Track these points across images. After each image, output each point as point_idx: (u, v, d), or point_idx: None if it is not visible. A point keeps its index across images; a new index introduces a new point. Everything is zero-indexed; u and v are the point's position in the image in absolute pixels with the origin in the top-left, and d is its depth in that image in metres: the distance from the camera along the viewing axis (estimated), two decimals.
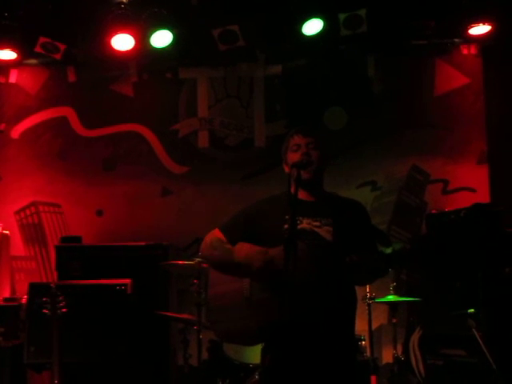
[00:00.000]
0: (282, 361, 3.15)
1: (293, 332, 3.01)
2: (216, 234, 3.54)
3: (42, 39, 6.34)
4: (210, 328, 3.70)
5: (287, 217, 3.03)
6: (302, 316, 3.09)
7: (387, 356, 6.19)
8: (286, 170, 3.46)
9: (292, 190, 3.18)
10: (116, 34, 6.16)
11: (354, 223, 3.38)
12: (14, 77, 7.09)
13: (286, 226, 3.03)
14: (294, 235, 2.94)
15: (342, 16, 6.14)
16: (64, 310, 4.77)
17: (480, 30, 6.26)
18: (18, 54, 6.56)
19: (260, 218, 3.44)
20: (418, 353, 5.50)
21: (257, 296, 3.28)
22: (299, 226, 3.23)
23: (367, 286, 5.45)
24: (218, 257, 3.51)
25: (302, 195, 3.34)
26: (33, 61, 6.96)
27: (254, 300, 3.28)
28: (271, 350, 3.28)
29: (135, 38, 6.23)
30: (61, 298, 4.80)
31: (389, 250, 3.21)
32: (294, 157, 3.38)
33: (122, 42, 6.25)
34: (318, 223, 3.31)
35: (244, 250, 3.37)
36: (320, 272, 3.15)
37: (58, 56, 6.54)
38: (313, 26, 6.18)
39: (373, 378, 5.21)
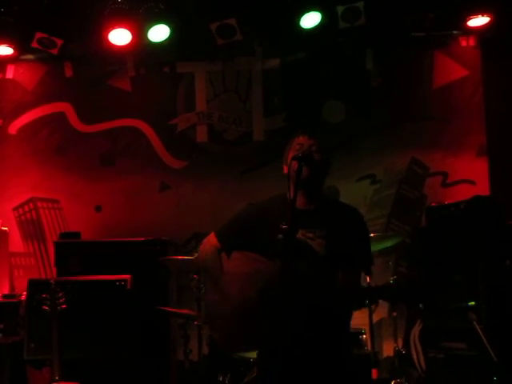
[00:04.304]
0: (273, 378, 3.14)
1: (282, 353, 3.03)
2: (212, 240, 3.48)
3: (38, 34, 6.31)
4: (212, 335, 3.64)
5: (283, 226, 2.99)
6: (291, 338, 3.03)
7: (388, 349, 6.19)
8: (285, 170, 3.35)
9: (291, 193, 3.08)
10: (113, 28, 6.14)
11: (349, 236, 3.26)
12: (10, 72, 7.05)
13: (280, 236, 3.00)
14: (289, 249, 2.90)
15: (340, 8, 6.12)
16: (63, 306, 4.77)
17: (479, 21, 6.26)
18: (15, 50, 6.56)
19: (255, 225, 3.36)
20: (418, 346, 5.49)
21: (247, 310, 3.18)
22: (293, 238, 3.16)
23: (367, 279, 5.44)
24: (209, 268, 3.46)
25: (299, 202, 3.20)
26: (29, 56, 6.93)
27: (242, 312, 3.19)
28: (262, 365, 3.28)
29: (132, 33, 6.21)
30: (60, 294, 4.79)
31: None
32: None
33: (119, 36, 6.24)
34: (311, 234, 3.21)
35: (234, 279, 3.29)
36: (310, 290, 3.07)
37: (54, 51, 6.50)
38: (311, 19, 6.17)
39: (374, 372, 5.21)
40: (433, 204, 6.16)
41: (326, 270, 3.15)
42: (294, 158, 3.18)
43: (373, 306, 5.36)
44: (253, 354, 4.86)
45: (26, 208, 6.94)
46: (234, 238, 3.41)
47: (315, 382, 3.15)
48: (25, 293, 5.57)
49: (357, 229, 3.35)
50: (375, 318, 5.82)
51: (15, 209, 6.94)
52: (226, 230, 3.48)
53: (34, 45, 6.40)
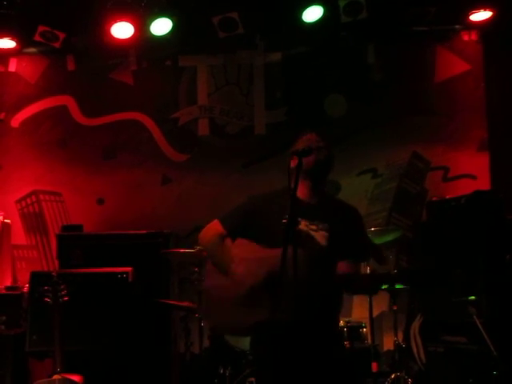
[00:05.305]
0: (272, 356, 3.20)
1: (282, 331, 3.08)
2: (216, 226, 3.51)
3: (41, 28, 6.32)
4: (204, 318, 3.72)
5: (285, 219, 3.04)
6: (292, 316, 3.08)
7: (388, 343, 6.20)
8: (292, 164, 3.31)
9: (292, 185, 3.12)
10: (115, 22, 6.14)
11: (349, 230, 3.38)
12: (13, 65, 7.06)
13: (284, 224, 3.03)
14: (292, 237, 2.98)
15: (342, 3, 6.12)
16: (65, 298, 4.78)
17: (481, 16, 6.27)
18: (17, 43, 6.58)
19: (259, 215, 3.41)
20: (418, 340, 5.51)
21: (252, 293, 3.24)
22: (297, 227, 3.20)
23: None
24: (216, 257, 3.50)
25: (302, 194, 3.33)
26: (32, 49, 6.94)
27: (249, 297, 3.25)
28: (261, 345, 3.32)
29: (135, 26, 6.21)
30: (62, 286, 4.80)
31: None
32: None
33: (122, 29, 6.24)
34: (314, 227, 3.30)
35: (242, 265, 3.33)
36: (311, 276, 3.14)
37: (57, 44, 6.52)
38: (313, 13, 6.17)
39: (374, 365, 5.24)
40: (434, 198, 6.16)
41: (328, 260, 3.28)
42: (292, 154, 3.24)
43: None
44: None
45: (29, 201, 6.96)
46: (239, 225, 3.45)
47: (308, 370, 3.20)
48: (27, 285, 5.60)
49: (356, 224, 3.50)
50: (375, 312, 5.85)
51: (18, 201, 6.96)
52: (230, 216, 3.52)
53: (37, 38, 6.42)
